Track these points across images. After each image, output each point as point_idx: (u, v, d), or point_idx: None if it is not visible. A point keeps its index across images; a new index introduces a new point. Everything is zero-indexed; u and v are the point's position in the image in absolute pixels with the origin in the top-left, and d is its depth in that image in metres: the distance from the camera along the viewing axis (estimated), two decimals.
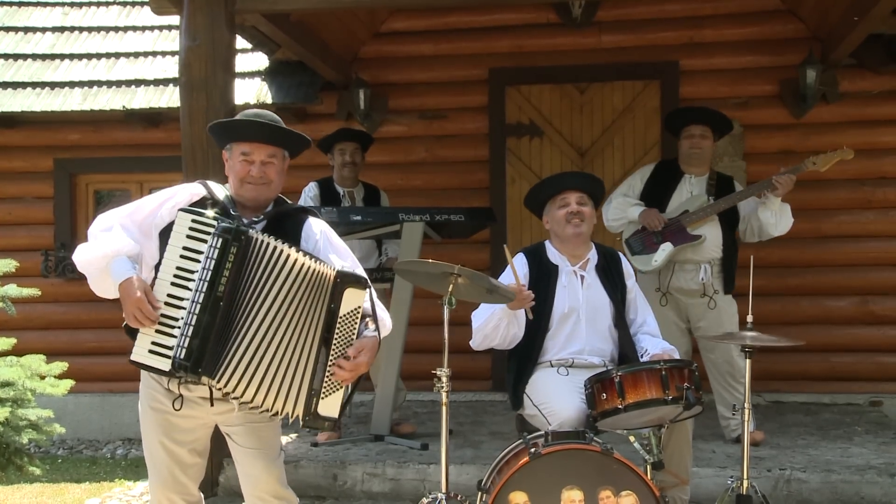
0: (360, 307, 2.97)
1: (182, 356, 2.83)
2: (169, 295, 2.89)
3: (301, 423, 2.95)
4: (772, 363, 5.89)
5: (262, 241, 2.91)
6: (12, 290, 5.14)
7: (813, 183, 6.91)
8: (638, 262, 5.31)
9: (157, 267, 2.95)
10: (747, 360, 3.75)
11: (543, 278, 3.95)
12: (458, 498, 3.51)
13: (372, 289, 3.05)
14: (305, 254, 2.96)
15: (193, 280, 2.88)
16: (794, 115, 7.00)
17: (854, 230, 6.97)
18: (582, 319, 3.92)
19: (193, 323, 2.85)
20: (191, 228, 2.90)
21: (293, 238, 3.09)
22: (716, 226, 5.26)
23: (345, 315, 2.94)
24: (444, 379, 3.40)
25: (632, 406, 3.35)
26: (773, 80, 7.02)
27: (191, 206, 3.01)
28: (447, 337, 3.48)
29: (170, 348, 2.86)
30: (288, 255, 2.91)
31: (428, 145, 7.45)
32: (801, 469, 4.74)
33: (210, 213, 2.96)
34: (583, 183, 4.08)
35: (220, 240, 2.87)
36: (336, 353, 2.94)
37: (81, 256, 3.01)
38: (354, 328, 2.98)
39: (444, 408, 3.41)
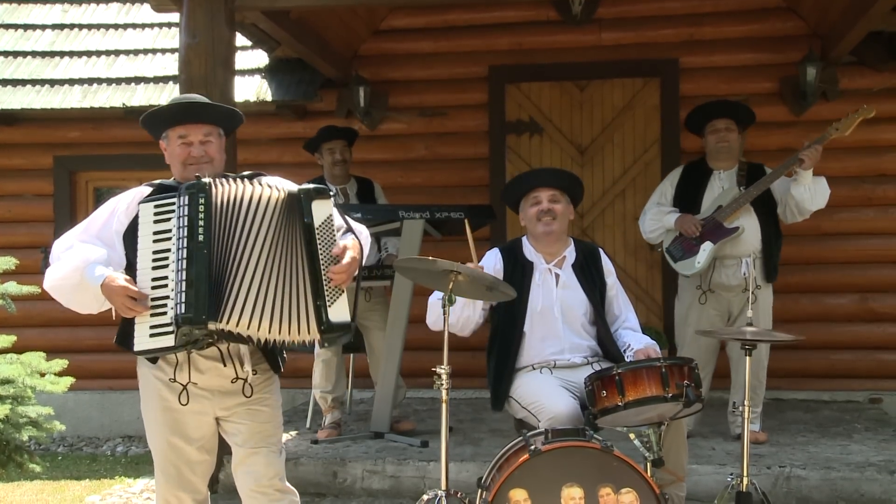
0: (330, 215, 3.03)
1: (182, 311, 2.85)
2: (153, 279, 2.95)
3: (320, 338, 2.96)
4: (771, 360, 5.88)
5: (227, 184, 3.00)
6: (12, 287, 5.14)
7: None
8: (681, 267, 5.29)
9: (129, 266, 3.01)
10: (747, 357, 3.75)
11: (517, 276, 3.93)
12: (458, 495, 3.51)
13: (333, 203, 3.10)
14: (267, 184, 3.04)
15: (171, 255, 2.93)
16: (794, 112, 7.00)
17: (854, 228, 6.97)
18: (558, 318, 3.90)
19: (184, 278, 2.88)
20: (155, 213, 2.98)
21: None
22: (752, 217, 5.22)
23: (320, 226, 2.98)
24: (444, 376, 3.39)
25: (632, 403, 3.34)
26: (774, 77, 7.01)
27: (143, 199, 3.07)
28: (447, 334, 3.47)
29: (169, 325, 2.89)
30: (253, 188, 3.00)
31: (428, 143, 7.45)
32: (800, 466, 4.74)
33: (168, 195, 3.02)
34: (554, 180, 4.06)
35: (187, 196, 2.94)
36: (325, 261, 2.96)
37: (53, 277, 3.02)
38: (333, 236, 3.03)
39: (443, 405, 3.41)
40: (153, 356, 3.06)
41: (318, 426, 5.75)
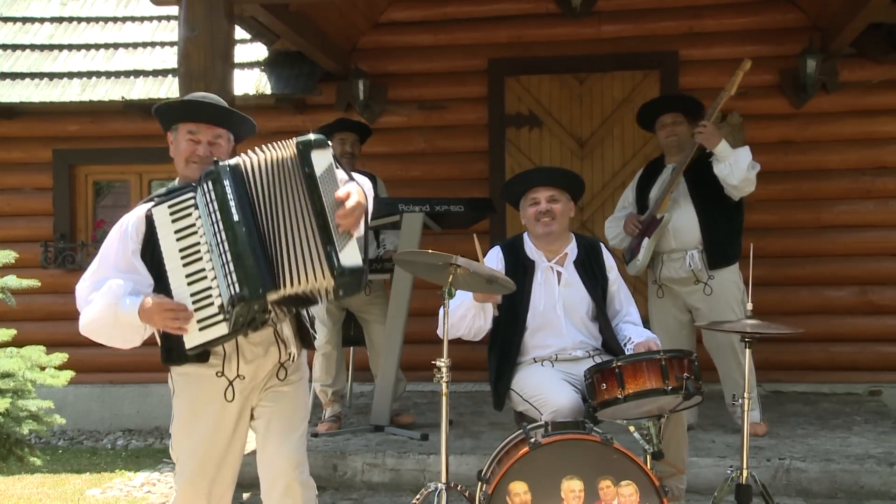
0: (331, 164, 3.01)
1: (237, 290, 2.83)
2: (188, 275, 2.95)
3: (335, 283, 2.92)
4: (771, 353, 5.90)
5: (242, 158, 2.98)
6: (12, 281, 5.14)
7: (813, 173, 6.93)
8: (630, 268, 5.28)
9: (158, 279, 3.00)
10: (747, 350, 3.75)
11: (519, 274, 3.91)
12: (459, 488, 3.51)
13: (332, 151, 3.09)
14: (271, 146, 3.02)
15: (200, 249, 2.94)
16: (794, 104, 6.99)
17: (853, 220, 6.96)
18: (560, 316, 3.89)
19: (230, 259, 2.86)
20: (171, 213, 2.98)
21: None
22: (689, 209, 5.15)
23: (321, 175, 2.96)
24: (443, 369, 3.39)
25: (631, 396, 3.34)
26: (773, 69, 7.00)
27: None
28: (447, 329, 3.47)
29: (217, 314, 2.90)
30: (263, 154, 2.98)
31: (427, 136, 7.44)
32: (800, 458, 4.75)
33: (178, 191, 3.03)
34: (552, 179, 4.02)
35: (209, 182, 2.94)
36: (330, 208, 2.94)
37: (88, 319, 3.00)
38: (335, 184, 3.00)
39: (443, 398, 3.41)
40: (204, 351, 3.02)
41: (318, 419, 5.76)
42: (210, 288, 2.92)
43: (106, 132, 7.71)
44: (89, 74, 7.55)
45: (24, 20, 8.21)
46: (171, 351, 3.03)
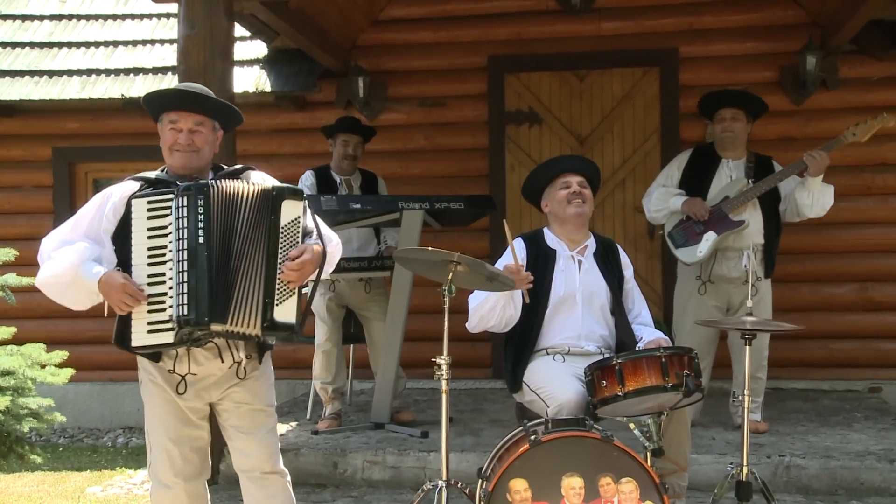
0: (298, 217, 3.11)
1: (184, 313, 2.94)
2: (149, 275, 3.00)
3: (261, 334, 3.05)
4: (771, 350, 5.88)
5: (223, 184, 3.08)
6: (12, 279, 5.15)
7: None
8: (682, 254, 5.26)
9: (121, 263, 3.06)
10: (746, 347, 3.75)
11: (541, 262, 3.94)
12: (459, 485, 3.52)
13: (307, 205, 3.19)
14: (252, 182, 3.14)
15: (167, 252, 3.00)
16: (794, 101, 6.99)
17: (854, 217, 6.95)
18: (579, 304, 3.91)
19: (185, 280, 2.95)
20: (149, 209, 3.03)
21: None
22: (757, 210, 5.20)
23: (285, 226, 3.06)
24: (444, 367, 3.39)
25: (631, 393, 3.34)
26: (773, 66, 7.00)
27: (132, 195, 3.11)
28: (447, 325, 3.47)
29: (167, 322, 2.96)
30: (242, 187, 3.09)
31: (427, 133, 7.44)
32: (800, 455, 4.75)
33: (161, 190, 3.08)
34: (583, 166, 4.10)
35: (185, 197, 3.01)
36: (282, 260, 3.04)
37: (47, 275, 3.05)
38: (297, 238, 3.10)
39: (444, 396, 3.41)
40: (152, 352, 3.11)
41: (318, 417, 5.76)
42: (165, 294, 2.99)
43: (106, 130, 7.71)
44: (89, 72, 7.55)
45: (24, 18, 8.21)
46: (124, 336, 3.07)
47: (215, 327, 2.98)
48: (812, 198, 5.12)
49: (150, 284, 2.99)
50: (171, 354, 3.14)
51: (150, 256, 3.01)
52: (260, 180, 3.21)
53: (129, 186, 3.16)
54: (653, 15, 7.12)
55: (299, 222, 3.11)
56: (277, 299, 3.03)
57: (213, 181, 3.09)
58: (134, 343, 3.01)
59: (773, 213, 5.29)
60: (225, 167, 3.34)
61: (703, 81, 6.82)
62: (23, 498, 5.32)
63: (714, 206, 5.20)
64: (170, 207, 3.01)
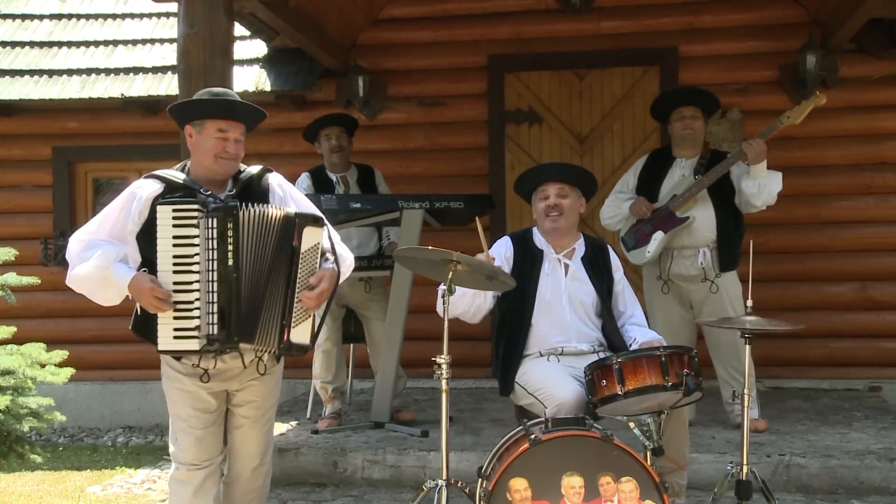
0: (318, 244, 3.24)
1: (215, 332, 3.09)
2: (175, 283, 3.09)
3: (277, 351, 3.22)
4: (771, 349, 5.90)
5: (251, 209, 3.17)
6: (12, 278, 5.14)
7: (812, 169, 6.93)
8: (633, 257, 5.28)
9: (145, 263, 3.17)
10: (747, 346, 3.75)
11: (527, 263, 3.95)
12: (459, 484, 3.52)
13: (330, 228, 3.32)
14: (277, 207, 3.26)
15: (194, 263, 3.09)
16: (794, 100, 6.96)
17: (853, 216, 6.96)
18: (566, 307, 3.91)
19: (216, 300, 3.09)
20: (174, 217, 3.09)
21: (262, 199, 3.32)
22: (707, 206, 5.16)
23: (305, 252, 3.18)
24: (444, 366, 3.40)
25: (631, 392, 3.34)
26: (773, 65, 7.00)
27: (156, 197, 3.19)
28: (447, 324, 3.47)
29: (193, 329, 3.08)
30: (269, 214, 3.19)
31: (427, 132, 7.44)
32: (800, 454, 4.75)
33: (187, 198, 3.15)
34: (562, 174, 4.04)
35: (215, 219, 3.10)
36: (300, 286, 3.17)
37: (78, 275, 3.20)
38: (315, 263, 3.24)
39: (444, 395, 3.41)
40: (176, 356, 3.24)
41: (318, 416, 5.76)
42: (192, 304, 3.09)
43: (105, 129, 7.71)
44: (88, 71, 7.55)
45: (24, 17, 8.21)
46: (144, 326, 3.20)
47: (243, 346, 3.19)
48: (758, 185, 5.08)
49: (175, 291, 3.08)
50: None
51: (175, 264, 3.09)
52: (282, 195, 3.37)
53: (153, 188, 3.24)
54: (652, 14, 7.12)
55: (318, 248, 3.24)
56: (294, 322, 3.17)
57: (242, 203, 3.16)
58: (160, 347, 3.13)
59: (727, 207, 5.20)
60: (242, 167, 3.41)
61: (702, 80, 6.82)
62: (23, 497, 5.32)
63: (661, 206, 5.20)
64: (195, 218, 3.08)
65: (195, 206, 3.09)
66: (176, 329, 3.09)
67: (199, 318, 3.08)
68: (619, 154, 7.22)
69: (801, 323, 3.82)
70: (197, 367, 3.26)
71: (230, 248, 3.11)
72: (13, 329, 5.27)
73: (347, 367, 6.11)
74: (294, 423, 5.80)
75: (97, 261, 3.12)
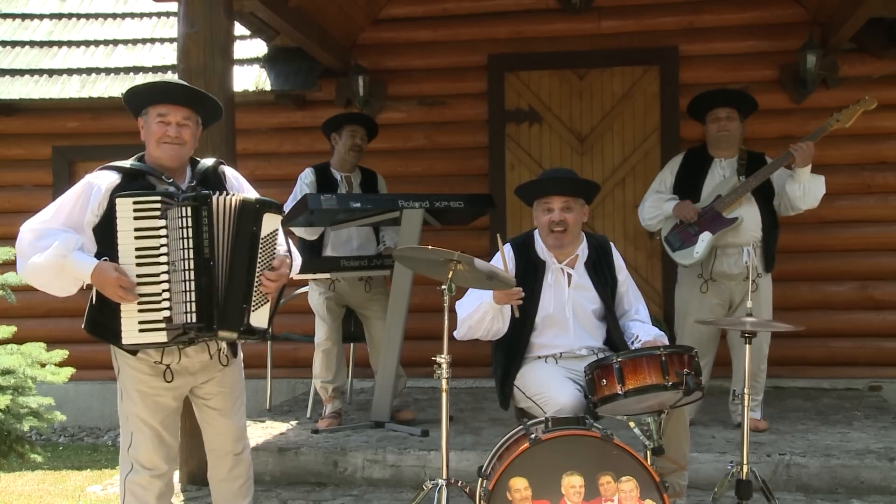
0: (276, 230, 3.27)
1: (193, 321, 3.08)
2: (139, 275, 3.07)
3: (237, 336, 3.21)
4: (772, 349, 5.88)
5: (222, 197, 3.20)
6: (12, 277, 5.15)
7: (812, 168, 6.91)
8: (679, 257, 5.26)
9: (100, 256, 3.11)
10: (746, 346, 3.75)
11: (530, 274, 3.89)
12: (459, 484, 3.52)
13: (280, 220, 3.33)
14: (237, 193, 3.29)
15: (161, 254, 3.08)
16: (794, 100, 6.99)
17: (854, 215, 6.96)
18: (569, 318, 3.88)
19: (192, 288, 3.08)
20: (135, 210, 3.08)
21: (220, 188, 3.34)
22: (753, 206, 5.19)
23: (265, 237, 3.21)
24: (444, 366, 3.39)
25: (632, 392, 3.34)
26: (773, 64, 7.00)
27: (115, 189, 3.18)
28: (447, 324, 3.47)
29: (160, 321, 3.06)
30: (236, 201, 3.21)
31: (427, 132, 7.44)
32: (800, 454, 4.75)
33: (147, 191, 3.17)
34: (567, 188, 3.94)
35: (189, 207, 3.11)
36: (260, 269, 3.21)
37: (34, 264, 3.10)
38: (274, 248, 3.28)
39: (444, 394, 3.41)
40: (136, 349, 3.21)
41: (318, 416, 5.76)
42: (159, 295, 3.07)
43: (106, 129, 7.70)
44: (89, 71, 7.55)
45: (24, 16, 8.22)
46: (98, 325, 3.17)
47: (222, 334, 3.17)
48: (803, 189, 5.15)
49: (139, 284, 3.06)
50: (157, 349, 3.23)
51: (138, 257, 3.07)
52: (238, 185, 3.40)
53: (111, 179, 3.23)
54: (653, 13, 7.12)
55: (276, 234, 3.28)
56: (254, 305, 3.19)
57: (210, 191, 3.19)
58: (125, 340, 3.10)
59: (769, 208, 5.28)
60: (199, 160, 3.43)
61: (703, 80, 6.82)
62: (23, 497, 5.33)
63: (706, 207, 5.20)
64: (158, 211, 3.07)
65: (156, 198, 3.09)
66: (141, 322, 3.06)
67: (168, 308, 3.06)
68: (620, 154, 7.22)
69: (801, 323, 3.82)
70: (159, 364, 3.25)
71: (206, 235, 3.11)
72: (13, 329, 5.28)
73: (347, 366, 6.11)
74: (294, 422, 5.80)
75: (56, 249, 3.07)
